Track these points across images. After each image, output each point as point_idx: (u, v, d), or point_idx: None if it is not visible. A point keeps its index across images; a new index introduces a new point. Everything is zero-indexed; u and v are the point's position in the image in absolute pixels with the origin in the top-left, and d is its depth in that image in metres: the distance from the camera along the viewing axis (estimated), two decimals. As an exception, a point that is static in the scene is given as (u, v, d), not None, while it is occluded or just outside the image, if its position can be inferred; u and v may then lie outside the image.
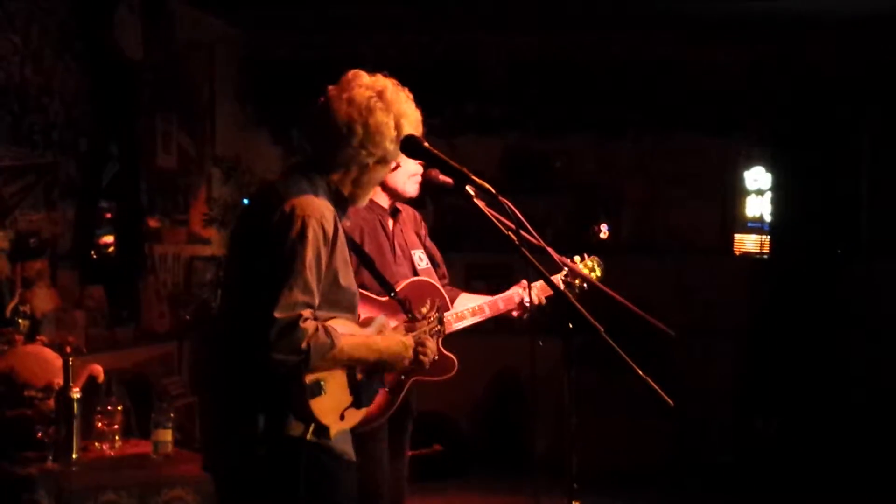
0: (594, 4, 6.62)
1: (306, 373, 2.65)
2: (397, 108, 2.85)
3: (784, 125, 7.52)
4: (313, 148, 2.89)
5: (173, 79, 6.46)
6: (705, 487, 6.81)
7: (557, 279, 3.87)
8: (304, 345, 2.59)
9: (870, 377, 7.20)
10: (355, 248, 3.43)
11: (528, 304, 3.73)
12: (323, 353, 2.64)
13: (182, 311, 6.37)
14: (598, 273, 4.09)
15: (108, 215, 5.78)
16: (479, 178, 2.75)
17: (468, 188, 2.77)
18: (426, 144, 2.87)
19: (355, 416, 2.88)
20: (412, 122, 2.89)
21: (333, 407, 2.77)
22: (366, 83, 2.87)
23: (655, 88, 7.31)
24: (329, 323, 2.71)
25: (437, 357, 3.45)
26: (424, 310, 3.43)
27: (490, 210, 2.84)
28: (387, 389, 3.39)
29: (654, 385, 2.45)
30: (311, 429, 2.70)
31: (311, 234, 2.66)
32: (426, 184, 3.62)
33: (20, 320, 4.68)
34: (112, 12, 5.77)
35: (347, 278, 2.82)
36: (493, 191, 2.69)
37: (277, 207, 2.70)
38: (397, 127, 2.84)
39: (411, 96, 2.94)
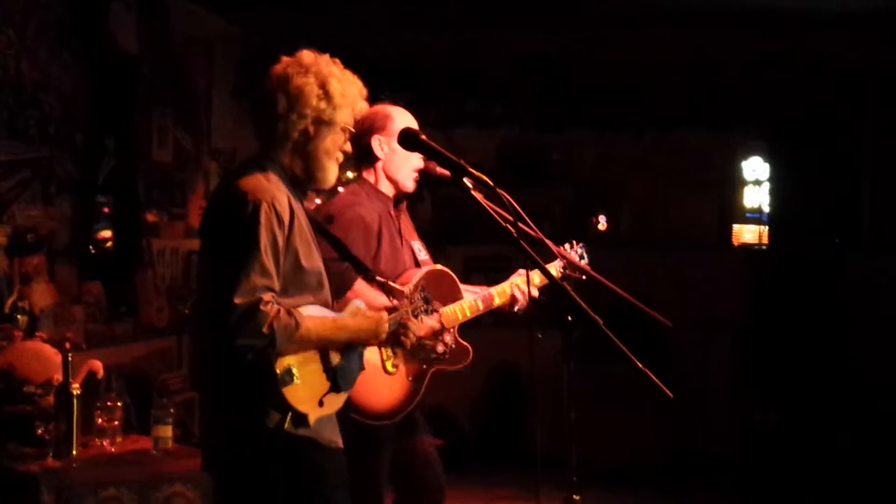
0: (594, 1, 6.60)
1: (275, 357, 2.63)
2: (318, 70, 2.84)
3: (783, 118, 7.51)
4: (256, 135, 2.91)
5: (170, 73, 6.45)
6: (704, 480, 6.80)
7: (555, 267, 3.87)
8: (265, 328, 2.57)
9: (868, 369, 7.20)
10: (377, 231, 3.48)
11: (523, 298, 3.74)
12: (289, 335, 2.62)
13: (181, 306, 6.36)
14: (586, 259, 4.10)
15: (106, 210, 5.77)
16: (477, 170, 2.75)
17: (466, 180, 2.77)
18: (423, 137, 2.87)
19: (336, 401, 2.85)
20: (343, 85, 2.86)
21: (310, 394, 2.75)
22: (286, 59, 2.89)
23: (655, 84, 7.30)
24: (300, 308, 2.70)
25: (454, 346, 3.57)
26: (407, 290, 3.42)
27: (488, 202, 2.84)
28: (410, 380, 3.43)
29: (654, 377, 2.45)
30: (288, 418, 2.68)
31: (263, 218, 2.66)
32: (424, 176, 3.63)
33: (18, 316, 4.68)
34: (108, 7, 5.76)
35: (310, 259, 2.80)
36: (491, 183, 2.69)
37: (229, 196, 2.72)
38: (323, 86, 2.82)
39: (342, 68, 2.91)
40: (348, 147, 2.95)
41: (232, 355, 2.61)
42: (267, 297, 2.61)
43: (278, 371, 2.65)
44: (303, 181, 2.88)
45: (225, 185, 2.82)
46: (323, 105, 2.82)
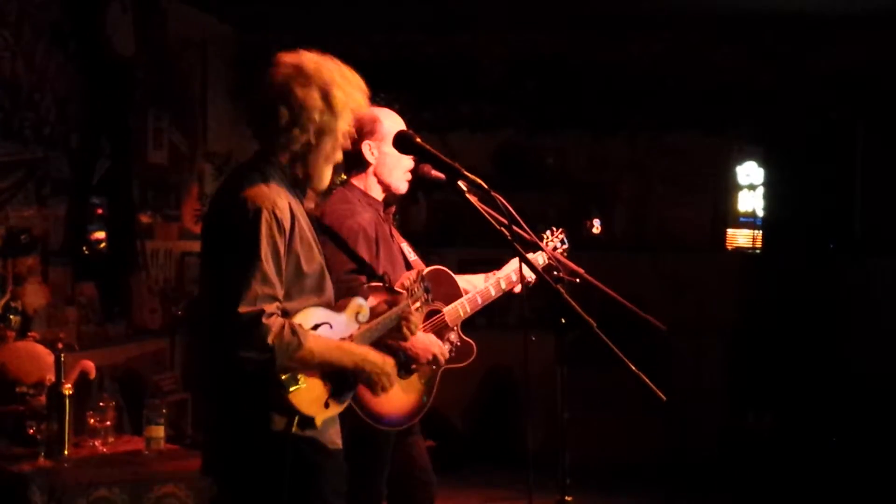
0: (589, 3, 6.61)
1: (276, 372, 2.62)
2: (320, 79, 2.77)
3: (778, 122, 7.53)
4: (255, 136, 2.87)
5: (165, 75, 6.45)
6: (696, 483, 6.81)
7: (542, 257, 3.90)
8: (269, 340, 2.56)
9: (862, 372, 7.21)
10: (375, 238, 3.49)
11: (523, 283, 3.79)
12: (289, 354, 2.60)
13: (174, 307, 6.36)
14: (566, 245, 4.13)
15: (100, 211, 5.76)
16: (472, 173, 2.75)
17: (460, 183, 2.78)
18: (418, 140, 2.87)
19: (339, 405, 2.86)
20: (345, 91, 2.81)
21: (316, 396, 2.74)
22: (285, 62, 2.81)
23: (650, 86, 7.31)
24: (301, 313, 2.69)
25: (458, 344, 3.64)
26: (408, 283, 3.42)
27: (482, 205, 2.85)
28: (422, 382, 3.51)
29: (647, 380, 2.45)
30: (295, 421, 2.68)
31: (264, 226, 2.63)
32: (418, 179, 3.63)
33: (11, 317, 4.68)
34: (104, 9, 5.76)
35: (311, 263, 2.78)
36: (486, 186, 2.70)
37: (230, 202, 2.70)
38: (326, 97, 2.76)
39: (341, 69, 2.84)
40: (340, 156, 2.91)
41: (233, 364, 2.61)
42: (270, 308, 2.59)
43: (283, 376, 2.65)
44: (302, 182, 2.85)
45: (225, 191, 2.80)
46: (326, 117, 2.77)
